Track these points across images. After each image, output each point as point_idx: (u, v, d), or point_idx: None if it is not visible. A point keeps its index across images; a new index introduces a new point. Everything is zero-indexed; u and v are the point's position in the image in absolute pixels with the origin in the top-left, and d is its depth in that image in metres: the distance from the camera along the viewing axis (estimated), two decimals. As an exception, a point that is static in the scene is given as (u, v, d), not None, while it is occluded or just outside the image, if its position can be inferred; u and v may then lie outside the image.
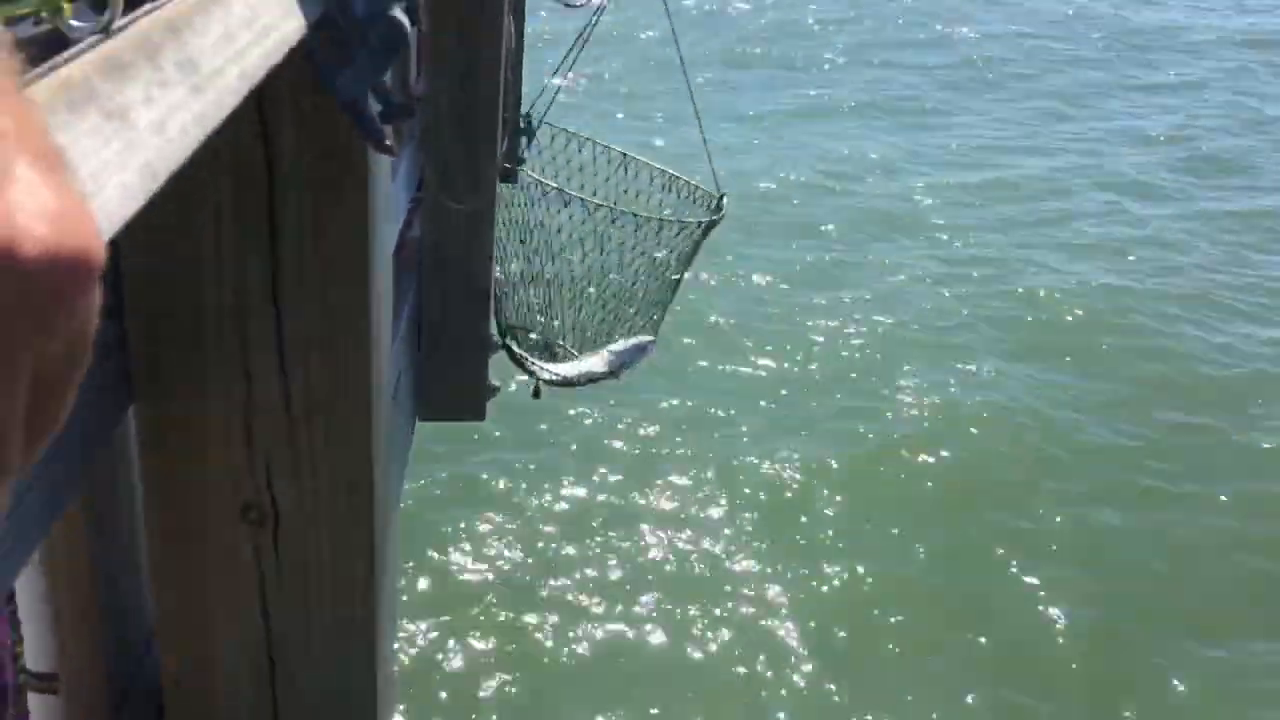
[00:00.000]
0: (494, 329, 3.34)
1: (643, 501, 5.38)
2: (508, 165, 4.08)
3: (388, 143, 0.84)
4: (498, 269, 3.28)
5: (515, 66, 4.30)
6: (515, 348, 3.35)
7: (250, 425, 1.08)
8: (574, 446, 5.78)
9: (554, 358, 3.38)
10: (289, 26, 0.68)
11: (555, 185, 3.19)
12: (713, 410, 5.99)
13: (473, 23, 3.20)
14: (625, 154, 3.42)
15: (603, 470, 5.58)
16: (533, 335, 3.40)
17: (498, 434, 5.50)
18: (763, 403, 6.07)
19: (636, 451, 5.75)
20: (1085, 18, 12.68)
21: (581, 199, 3.16)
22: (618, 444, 5.73)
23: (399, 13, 0.81)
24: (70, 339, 0.29)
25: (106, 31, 0.83)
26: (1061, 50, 11.59)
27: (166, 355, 1.05)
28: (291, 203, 1.01)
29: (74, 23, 0.83)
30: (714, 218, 3.18)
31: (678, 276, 3.26)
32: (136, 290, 1.04)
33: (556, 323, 3.43)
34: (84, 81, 0.43)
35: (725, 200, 3.19)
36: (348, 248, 1.02)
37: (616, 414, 5.87)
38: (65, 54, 0.50)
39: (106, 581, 1.15)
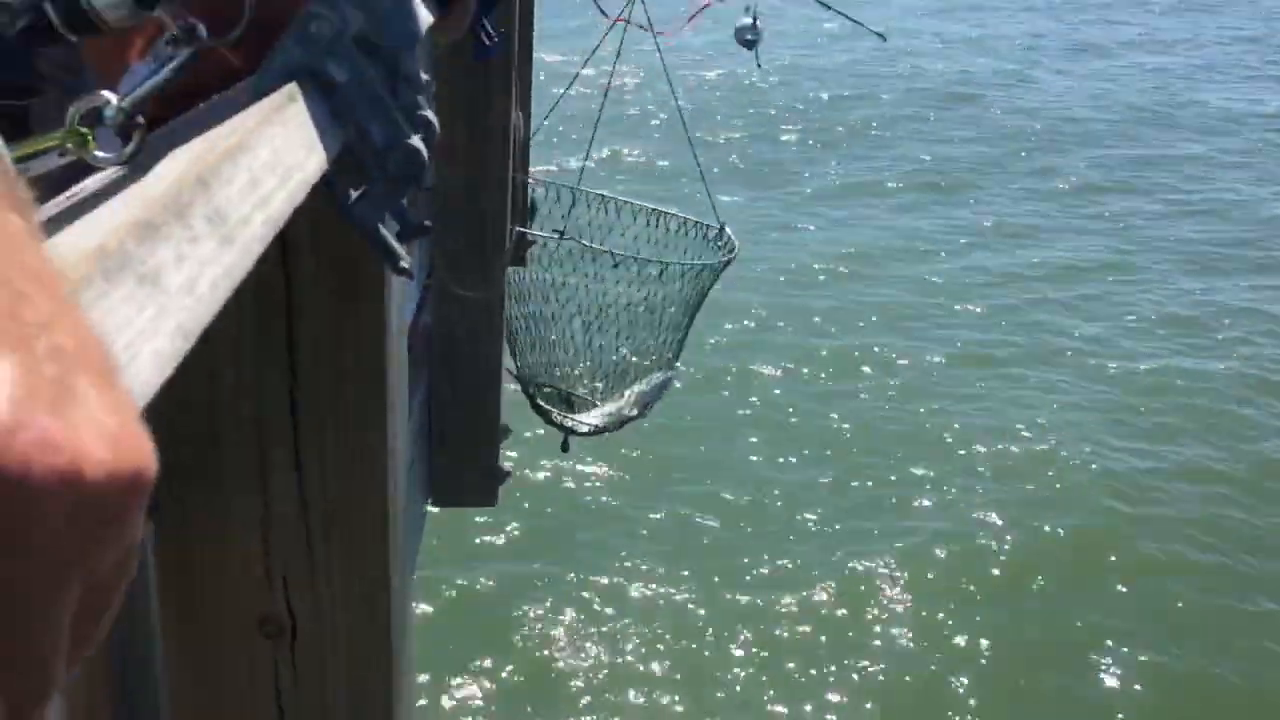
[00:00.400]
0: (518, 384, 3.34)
1: (656, 596, 5.34)
2: (521, 245, 4.12)
3: (404, 265, 0.86)
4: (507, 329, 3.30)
5: (523, 156, 4.37)
6: (541, 402, 3.35)
7: (268, 538, 1.08)
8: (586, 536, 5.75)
9: (572, 408, 3.37)
10: (311, 165, 0.70)
11: (554, 236, 3.19)
12: (740, 501, 5.96)
13: (482, 119, 3.26)
14: (616, 199, 3.42)
15: (625, 559, 5.54)
16: (546, 389, 3.40)
17: (509, 520, 5.49)
18: (791, 493, 6.04)
19: (655, 548, 5.70)
20: (1112, 96, 12.69)
21: (587, 246, 3.17)
22: (627, 537, 5.70)
23: (417, 141, 0.83)
24: (120, 551, 0.30)
25: (130, 162, 0.85)
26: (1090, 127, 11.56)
27: (183, 469, 1.06)
28: (309, 318, 1.02)
29: (98, 154, 0.85)
30: (727, 258, 3.18)
31: (690, 317, 3.25)
32: (152, 405, 1.04)
33: (575, 371, 3.42)
34: (119, 248, 0.45)
35: (729, 231, 3.20)
36: (364, 360, 1.03)
37: (627, 502, 5.84)
38: (98, 215, 0.52)
39: (123, 695, 1.15)
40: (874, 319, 7.71)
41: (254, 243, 0.57)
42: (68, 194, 0.78)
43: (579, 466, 6.07)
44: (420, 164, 0.83)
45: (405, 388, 1.15)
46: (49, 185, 0.84)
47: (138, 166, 0.71)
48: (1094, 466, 6.12)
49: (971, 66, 13.79)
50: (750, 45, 3.04)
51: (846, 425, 6.52)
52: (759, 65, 3.06)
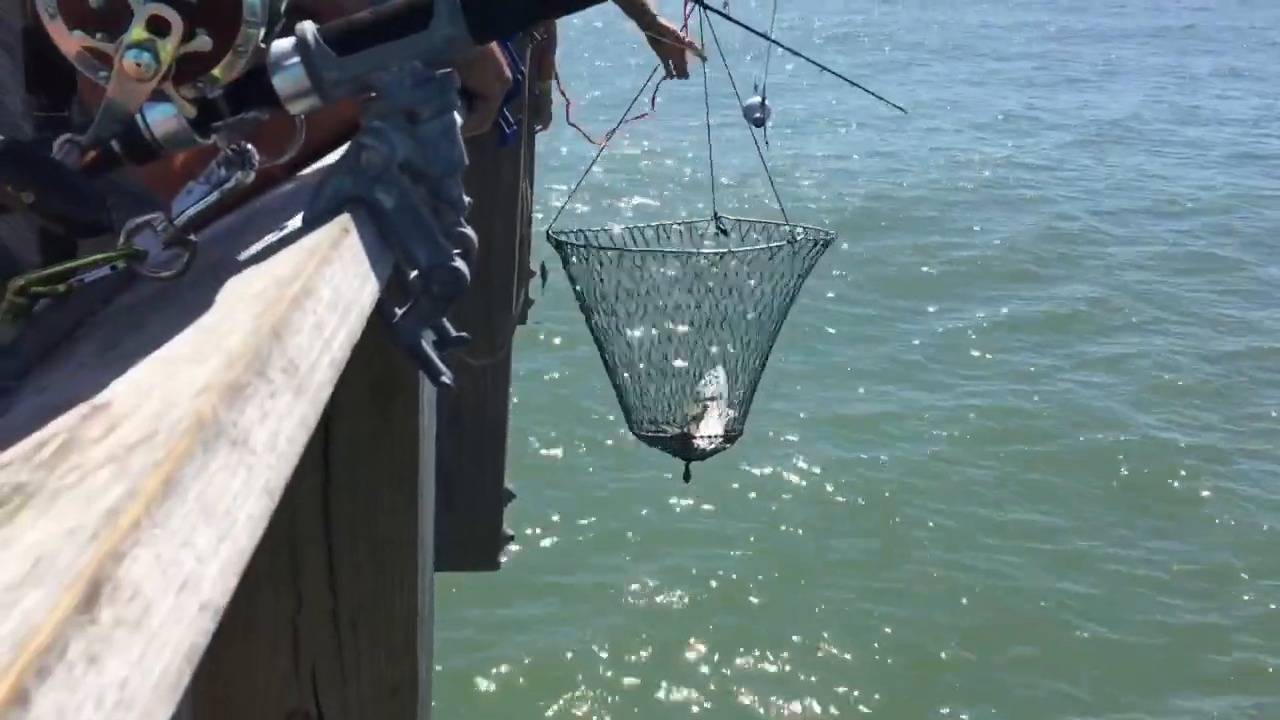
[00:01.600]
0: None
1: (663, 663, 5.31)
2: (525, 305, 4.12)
3: (445, 380, 0.89)
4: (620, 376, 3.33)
5: (527, 224, 4.43)
6: (658, 435, 3.36)
7: (298, 635, 1.10)
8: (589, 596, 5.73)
9: (687, 438, 3.36)
10: (366, 296, 0.74)
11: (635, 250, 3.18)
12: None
13: (490, 191, 3.32)
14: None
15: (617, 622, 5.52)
16: (668, 429, 3.39)
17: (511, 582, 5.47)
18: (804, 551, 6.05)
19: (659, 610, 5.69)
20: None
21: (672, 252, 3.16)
22: (631, 592, 5.68)
23: (459, 262, 0.87)
24: None
25: (182, 276, 0.89)
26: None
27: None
28: (345, 420, 1.05)
29: (152, 270, 0.88)
30: (828, 237, 3.19)
31: (783, 314, 3.24)
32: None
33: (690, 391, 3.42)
34: (213, 417, 0.48)
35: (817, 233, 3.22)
36: (397, 462, 1.06)
37: (628, 566, 5.83)
38: (181, 374, 0.55)
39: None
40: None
41: (323, 388, 0.60)
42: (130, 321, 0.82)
43: (580, 529, 6.07)
44: (462, 283, 0.87)
45: (433, 485, 1.18)
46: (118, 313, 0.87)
47: (198, 300, 0.74)
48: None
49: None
50: (759, 124, 3.11)
51: (875, 481, 6.54)
52: (765, 143, 3.11)
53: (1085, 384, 7.91)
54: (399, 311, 0.88)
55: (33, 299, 0.92)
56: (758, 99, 3.08)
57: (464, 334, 0.97)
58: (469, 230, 0.93)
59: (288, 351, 0.58)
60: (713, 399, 3.34)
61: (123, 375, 0.65)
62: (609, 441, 6.90)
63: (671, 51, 3.36)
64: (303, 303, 0.63)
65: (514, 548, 5.05)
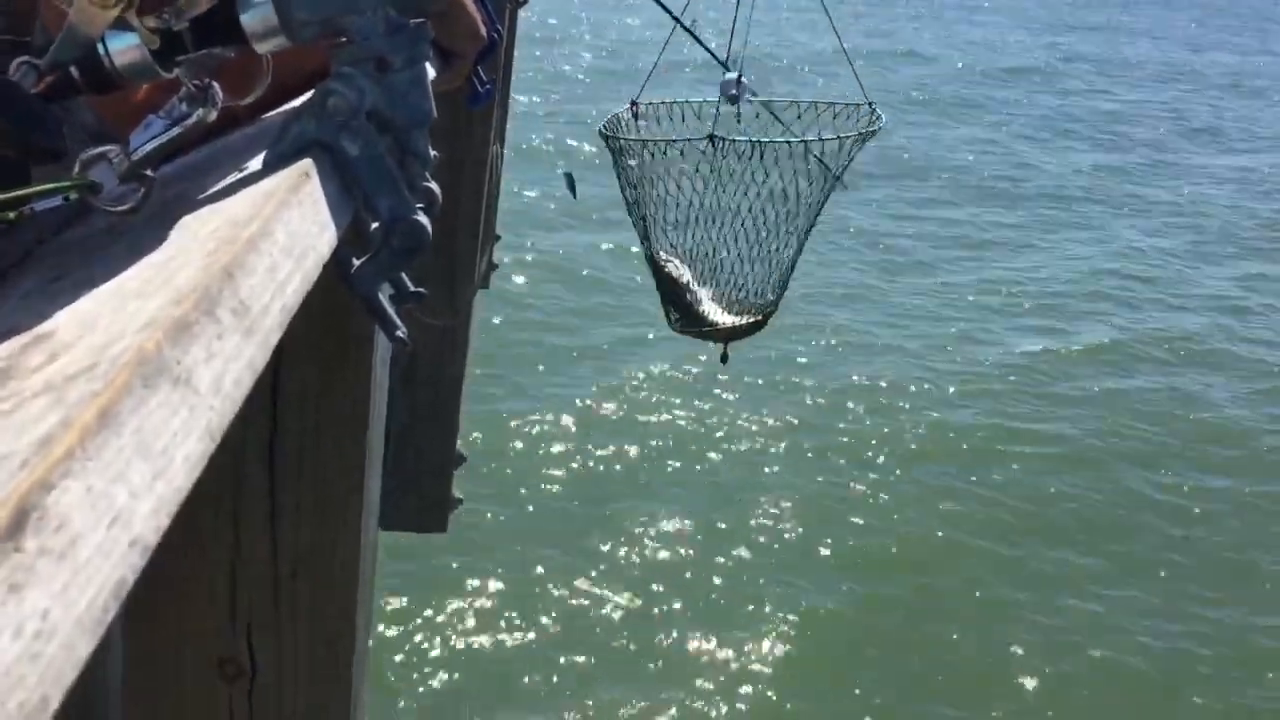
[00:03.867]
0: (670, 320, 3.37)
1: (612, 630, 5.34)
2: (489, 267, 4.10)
3: (400, 335, 0.88)
4: (668, 263, 3.34)
5: (496, 185, 4.40)
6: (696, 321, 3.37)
7: (235, 583, 1.09)
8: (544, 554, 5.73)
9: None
10: (323, 243, 0.72)
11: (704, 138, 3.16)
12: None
13: (460, 151, 3.28)
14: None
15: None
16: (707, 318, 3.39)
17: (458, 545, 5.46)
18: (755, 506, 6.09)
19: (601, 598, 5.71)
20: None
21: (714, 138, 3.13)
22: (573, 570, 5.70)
23: (422, 216, 0.86)
24: None
25: (135, 212, 0.87)
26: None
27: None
28: (295, 369, 1.04)
29: (105, 201, 0.86)
30: (872, 128, 3.20)
31: (825, 196, 3.24)
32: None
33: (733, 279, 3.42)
34: (156, 352, 0.47)
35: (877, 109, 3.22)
36: (347, 415, 1.05)
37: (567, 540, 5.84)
38: (128, 309, 0.53)
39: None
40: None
41: (273, 332, 0.59)
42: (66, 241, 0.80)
43: (530, 492, 6.07)
44: (424, 238, 0.85)
45: (382, 440, 1.17)
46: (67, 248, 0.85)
47: (152, 237, 0.73)
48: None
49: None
50: (734, 101, 3.10)
51: (819, 445, 6.59)
52: (738, 119, 3.12)
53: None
54: (357, 261, 0.87)
55: (-17, 224, 0.90)
56: (733, 75, 3.07)
57: (421, 289, 0.96)
58: (434, 185, 0.92)
59: (239, 292, 0.57)
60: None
61: (67, 306, 0.64)
62: (566, 410, 6.89)
63: None
64: (258, 244, 0.62)
65: (463, 511, 5.04)
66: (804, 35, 18.74)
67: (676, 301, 3.48)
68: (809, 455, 6.70)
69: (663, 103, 3.35)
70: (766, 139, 3.11)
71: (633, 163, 3.26)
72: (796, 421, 7.07)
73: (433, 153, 0.88)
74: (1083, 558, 6.00)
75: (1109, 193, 12.90)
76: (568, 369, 7.40)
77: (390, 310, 0.88)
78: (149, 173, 0.86)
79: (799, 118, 3.34)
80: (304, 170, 0.76)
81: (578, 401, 7.02)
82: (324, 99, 0.83)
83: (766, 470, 6.54)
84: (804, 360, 7.82)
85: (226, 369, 0.52)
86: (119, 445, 0.41)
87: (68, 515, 0.37)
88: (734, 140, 3.08)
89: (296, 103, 1.06)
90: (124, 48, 0.80)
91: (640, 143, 3.21)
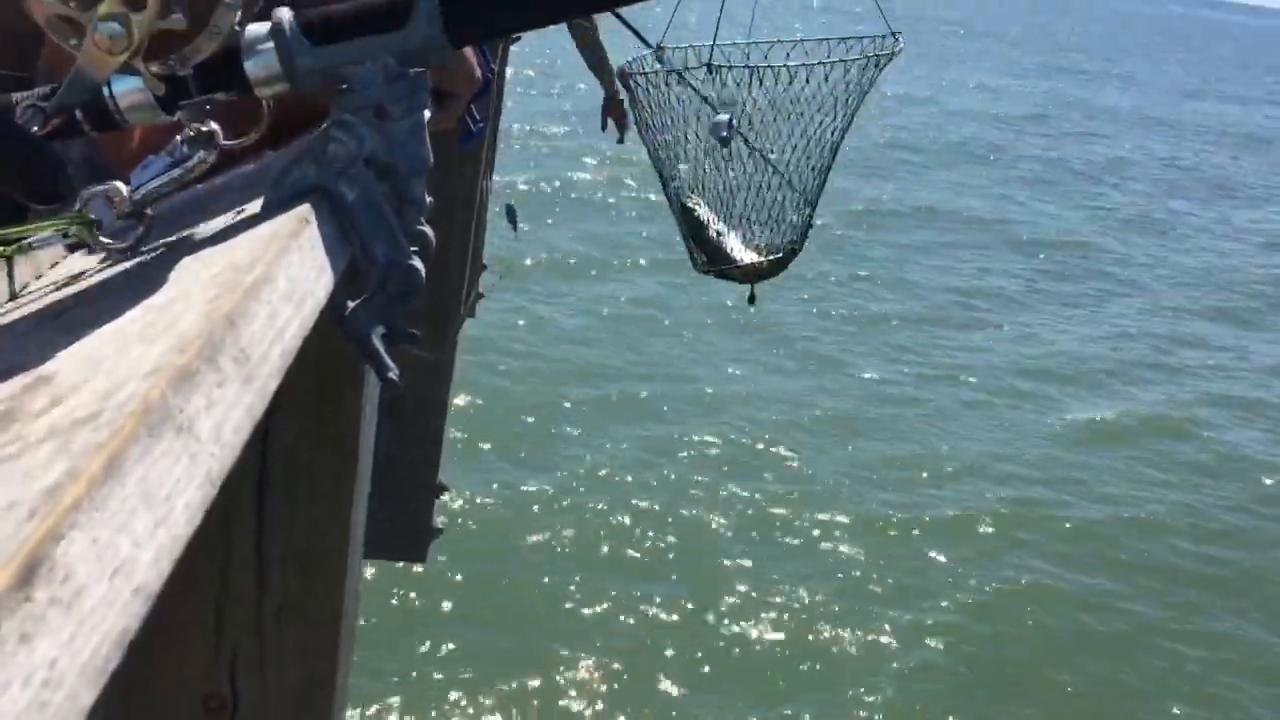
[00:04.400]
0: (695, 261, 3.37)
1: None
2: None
3: (393, 377, 0.89)
4: (695, 205, 3.35)
5: (483, 218, 4.42)
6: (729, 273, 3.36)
7: (221, 620, 1.10)
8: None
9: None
10: (321, 288, 0.74)
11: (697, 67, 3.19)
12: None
13: (450, 184, 3.30)
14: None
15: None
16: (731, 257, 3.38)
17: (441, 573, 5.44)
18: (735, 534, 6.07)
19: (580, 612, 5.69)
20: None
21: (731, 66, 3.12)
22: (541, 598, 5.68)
23: (417, 261, 0.87)
24: None
25: (135, 249, 0.88)
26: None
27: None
28: (286, 411, 1.05)
29: (104, 239, 0.88)
30: (894, 50, 3.19)
31: (845, 129, 3.23)
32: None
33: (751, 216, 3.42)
34: (160, 401, 0.48)
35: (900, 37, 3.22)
36: (336, 455, 1.06)
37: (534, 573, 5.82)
38: (133, 355, 0.54)
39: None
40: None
41: (271, 378, 0.60)
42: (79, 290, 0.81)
43: (512, 528, 6.05)
44: (418, 283, 0.87)
45: (369, 479, 1.17)
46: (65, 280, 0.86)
47: (153, 277, 0.74)
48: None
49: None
50: (725, 142, 3.13)
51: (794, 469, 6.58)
52: (727, 159, 3.16)
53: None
54: (351, 304, 0.88)
55: (-21, 260, 0.91)
56: (725, 117, 3.11)
57: (414, 331, 0.97)
58: (428, 229, 0.93)
59: (240, 340, 0.58)
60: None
61: (69, 346, 0.65)
62: (548, 442, 6.89)
63: (612, 112, 3.59)
64: (259, 291, 0.63)
65: (443, 542, 5.02)
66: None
67: (702, 242, 3.47)
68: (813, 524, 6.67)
69: (690, 46, 3.35)
70: (765, 64, 3.15)
71: (650, 103, 3.31)
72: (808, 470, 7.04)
73: (429, 199, 0.90)
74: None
75: (1129, 246, 12.85)
76: (550, 404, 7.41)
77: (383, 352, 0.90)
78: (148, 211, 0.87)
79: (807, 54, 3.33)
80: (304, 216, 0.78)
81: (560, 436, 7.02)
82: (324, 145, 0.85)
83: (762, 533, 6.48)
84: (815, 413, 7.74)
85: (227, 416, 0.53)
86: (124, 495, 0.42)
87: (74, 566, 0.38)
88: (731, 67, 3.12)
89: (296, 144, 1.07)
90: (128, 90, 0.82)
91: (645, 76, 3.24)
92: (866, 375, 8.61)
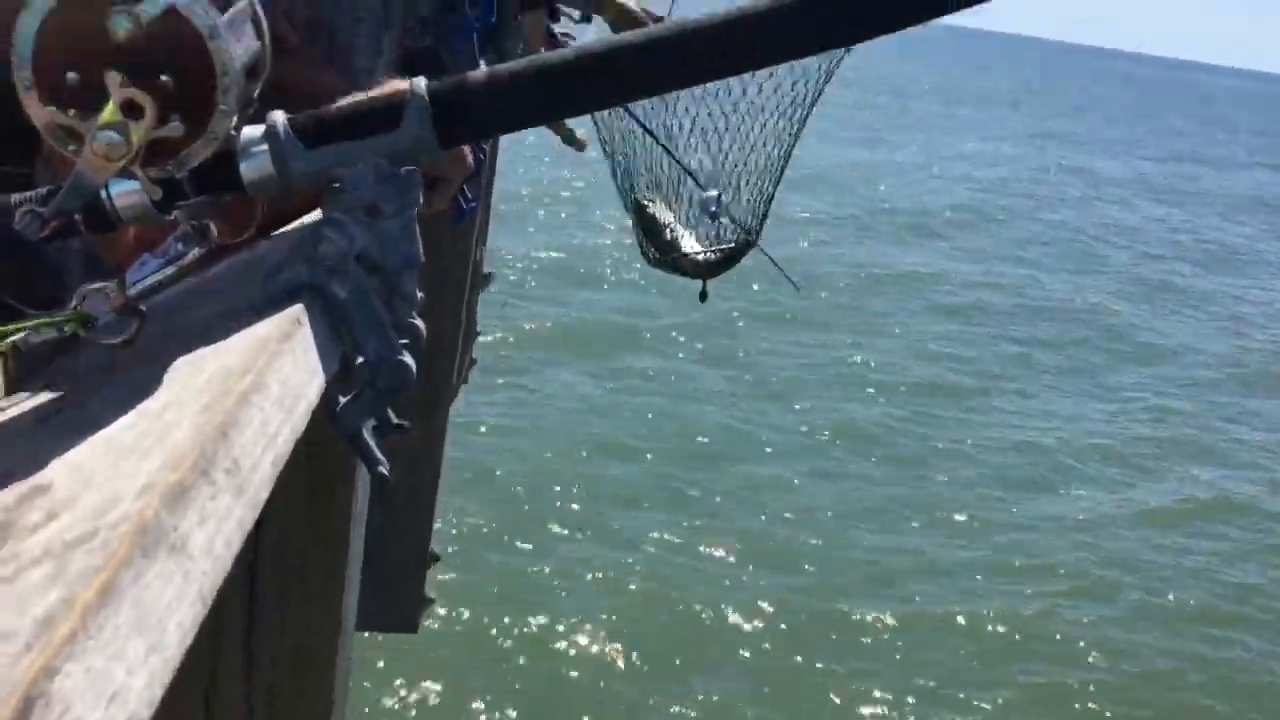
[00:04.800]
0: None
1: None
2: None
3: (383, 470, 0.90)
4: (648, 202, 3.33)
5: (475, 290, 4.44)
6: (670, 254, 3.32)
7: (210, 715, 1.09)
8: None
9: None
10: (313, 390, 0.75)
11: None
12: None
13: (442, 258, 3.32)
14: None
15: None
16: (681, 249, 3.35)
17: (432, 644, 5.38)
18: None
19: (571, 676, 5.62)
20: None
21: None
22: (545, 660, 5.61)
23: (408, 357, 0.88)
24: None
25: (129, 344, 0.89)
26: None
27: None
28: (276, 514, 1.05)
29: (99, 335, 0.89)
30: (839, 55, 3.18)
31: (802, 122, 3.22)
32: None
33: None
34: (155, 521, 0.48)
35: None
36: (327, 556, 1.06)
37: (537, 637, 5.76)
38: (124, 468, 0.55)
39: None
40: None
41: (263, 487, 0.61)
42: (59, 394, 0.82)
43: (505, 597, 6.00)
44: (409, 378, 0.88)
45: (359, 571, 1.17)
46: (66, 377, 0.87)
47: (145, 377, 0.75)
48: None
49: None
50: (714, 218, 3.17)
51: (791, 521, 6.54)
52: (717, 236, 3.20)
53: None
54: (342, 400, 0.89)
55: (-26, 356, 0.92)
56: (714, 192, 3.15)
57: (404, 423, 0.98)
58: (419, 322, 0.95)
59: (232, 451, 0.59)
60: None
61: (64, 454, 0.66)
62: (541, 508, 6.86)
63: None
64: (251, 398, 0.64)
65: (435, 611, 4.98)
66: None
67: (654, 236, 3.45)
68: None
69: None
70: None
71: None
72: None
73: (419, 294, 0.91)
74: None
75: (1140, 314, 12.66)
76: (542, 468, 7.38)
77: (374, 446, 0.90)
78: (142, 307, 0.88)
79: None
80: (295, 316, 0.79)
81: (558, 503, 6.99)
82: (315, 243, 0.86)
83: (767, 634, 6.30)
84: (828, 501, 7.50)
85: (219, 530, 0.54)
86: (117, 623, 0.43)
87: (70, 699, 0.38)
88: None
89: (286, 235, 1.09)
90: (125, 192, 0.83)
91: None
92: (877, 454, 8.35)
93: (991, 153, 23.88)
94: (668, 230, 3.45)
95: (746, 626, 6.01)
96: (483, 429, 7.59)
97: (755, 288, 10.51)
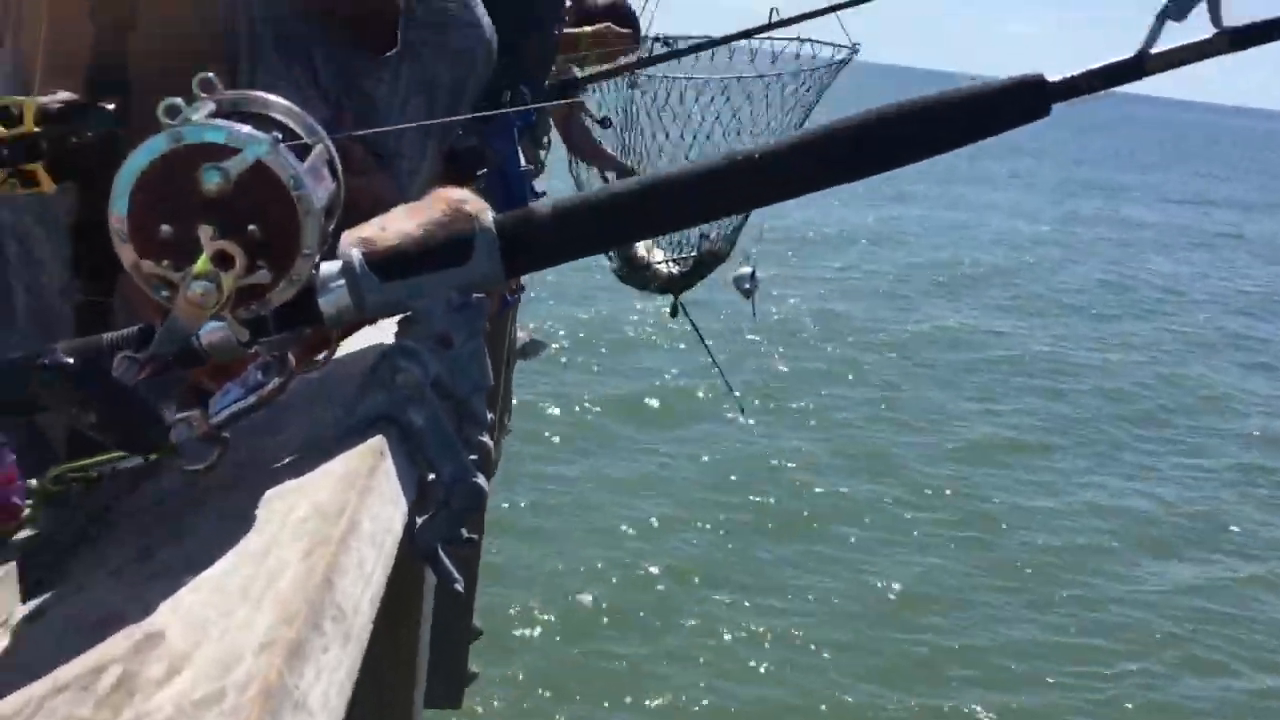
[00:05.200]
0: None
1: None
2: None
3: (458, 586, 0.93)
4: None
5: (510, 366, 4.50)
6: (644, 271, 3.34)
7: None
8: None
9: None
10: (398, 521, 0.78)
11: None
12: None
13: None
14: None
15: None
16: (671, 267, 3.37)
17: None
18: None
19: None
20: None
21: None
22: None
23: (480, 479, 0.92)
24: None
25: (211, 469, 0.93)
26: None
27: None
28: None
29: (184, 464, 0.93)
30: (848, 55, 3.22)
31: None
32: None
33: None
34: (279, 681, 0.52)
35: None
36: (402, 673, 1.09)
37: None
38: (238, 623, 0.59)
39: None
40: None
41: (364, 630, 0.64)
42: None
43: (549, 672, 5.98)
44: (483, 499, 0.91)
45: (425, 678, 1.20)
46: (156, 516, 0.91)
47: (236, 512, 0.79)
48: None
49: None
50: (748, 295, 3.22)
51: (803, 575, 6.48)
52: (754, 315, 3.25)
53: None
54: (418, 520, 0.92)
55: (66, 486, 0.96)
56: (748, 270, 3.20)
57: (473, 536, 1.01)
58: (488, 439, 0.98)
59: (337, 597, 0.62)
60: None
61: (169, 597, 0.69)
62: (582, 583, 6.84)
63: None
64: (349, 541, 0.67)
65: (478, 684, 4.97)
66: (809, 211, 18.39)
67: (624, 252, 3.51)
68: None
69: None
70: (684, 76, 3.28)
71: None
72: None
73: (491, 416, 0.95)
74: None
75: (1199, 375, 11.86)
76: (581, 541, 7.38)
77: (449, 563, 0.94)
78: (225, 434, 0.92)
79: (774, 62, 3.45)
80: (378, 449, 0.83)
81: (595, 579, 6.97)
82: (391, 373, 0.90)
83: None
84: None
85: (331, 682, 0.57)
86: (254, 790, 0.46)
87: None
88: (650, 77, 3.26)
89: (359, 359, 1.13)
90: (213, 330, 0.88)
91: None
92: (943, 516, 8.08)
93: (1018, 203, 23.76)
94: (642, 248, 3.52)
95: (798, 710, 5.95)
96: (521, 504, 7.60)
97: (798, 342, 10.50)
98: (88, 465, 0.96)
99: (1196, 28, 0.90)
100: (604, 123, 3.72)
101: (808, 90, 3.31)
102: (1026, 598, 7.07)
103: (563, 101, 3.39)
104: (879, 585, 6.99)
